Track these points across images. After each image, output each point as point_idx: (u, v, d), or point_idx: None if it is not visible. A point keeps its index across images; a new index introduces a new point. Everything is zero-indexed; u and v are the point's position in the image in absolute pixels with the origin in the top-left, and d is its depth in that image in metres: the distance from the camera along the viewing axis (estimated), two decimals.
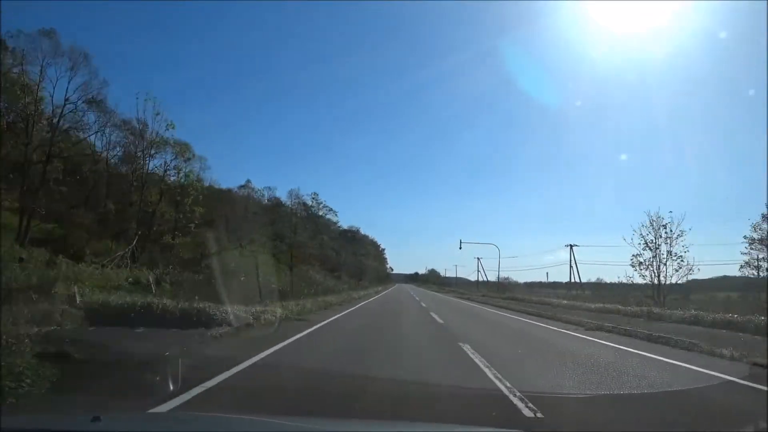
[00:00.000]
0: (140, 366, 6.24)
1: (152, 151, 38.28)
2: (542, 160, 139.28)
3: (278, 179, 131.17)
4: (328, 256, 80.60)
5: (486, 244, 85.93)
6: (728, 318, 15.11)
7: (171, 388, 5.10)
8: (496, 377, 6.71)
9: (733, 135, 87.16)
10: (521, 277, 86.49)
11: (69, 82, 29.14)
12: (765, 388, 6.55)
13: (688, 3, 55.43)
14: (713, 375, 7.47)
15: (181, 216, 37.33)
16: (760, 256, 30.07)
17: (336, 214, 63.25)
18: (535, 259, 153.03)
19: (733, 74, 71.13)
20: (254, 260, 29.76)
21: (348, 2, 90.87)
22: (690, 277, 29.18)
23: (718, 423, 5.17)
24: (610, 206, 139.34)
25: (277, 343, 9.31)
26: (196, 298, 12.49)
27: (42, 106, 28.62)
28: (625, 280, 31.74)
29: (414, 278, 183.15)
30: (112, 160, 39.66)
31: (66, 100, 29.28)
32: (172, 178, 40.00)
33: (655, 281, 29.48)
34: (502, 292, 49.03)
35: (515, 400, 5.40)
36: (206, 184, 47.66)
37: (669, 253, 28.73)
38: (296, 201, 55.63)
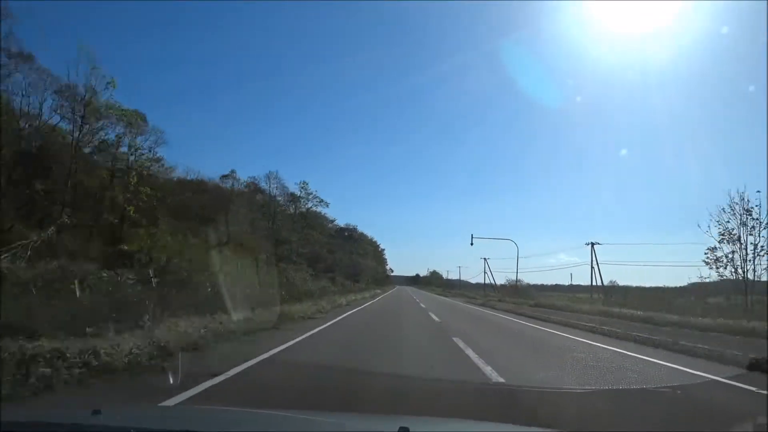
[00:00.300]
0: None
1: (100, 123, 31.08)
2: (545, 160, 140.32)
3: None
4: (320, 255, 73.45)
5: (501, 240, 77.99)
6: None
7: None
8: None
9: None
10: (528, 279, 79.78)
11: None
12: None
13: (689, 3, 55.07)
14: None
15: (128, 198, 29.95)
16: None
17: (327, 206, 55.26)
18: (539, 260, 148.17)
19: (733, 74, 70.53)
20: (220, 258, 23.47)
21: (349, 2, 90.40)
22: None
23: None
24: (615, 205, 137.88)
25: None
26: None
27: None
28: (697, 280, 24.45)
29: (415, 280, 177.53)
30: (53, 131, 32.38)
31: None
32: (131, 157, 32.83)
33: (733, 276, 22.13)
34: (525, 297, 41.48)
35: None
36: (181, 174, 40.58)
37: (756, 246, 21.49)
38: (276, 186, 47.32)
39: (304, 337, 11.21)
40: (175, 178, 46.01)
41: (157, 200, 32.76)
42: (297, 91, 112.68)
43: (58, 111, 30.51)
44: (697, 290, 26.56)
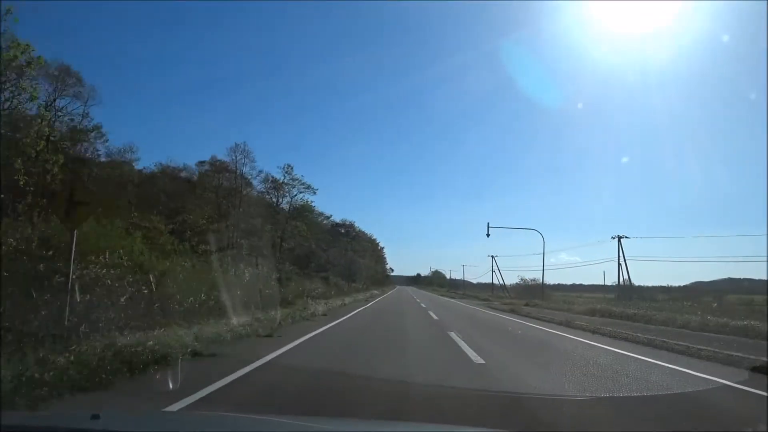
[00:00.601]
0: None
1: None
2: (545, 159, 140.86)
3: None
4: (313, 252, 65.30)
5: (524, 230, 68.95)
6: None
7: None
8: None
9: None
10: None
11: None
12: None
13: (689, 4, 54.98)
14: None
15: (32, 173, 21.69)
16: None
17: (315, 192, 46.74)
18: (538, 259, 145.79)
19: (733, 74, 69.07)
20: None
21: (349, 3, 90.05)
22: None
23: None
24: (615, 205, 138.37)
25: None
26: None
27: None
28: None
29: (415, 280, 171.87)
30: None
31: None
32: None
33: None
34: (546, 298, 33.14)
35: None
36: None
37: None
38: (243, 161, 38.54)
39: None
40: (154, 169, 38.06)
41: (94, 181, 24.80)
42: (297, 91, 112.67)
43: None
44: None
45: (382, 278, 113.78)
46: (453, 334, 12.67)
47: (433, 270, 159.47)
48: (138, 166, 38.41)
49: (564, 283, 75.12)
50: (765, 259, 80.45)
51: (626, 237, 49.79)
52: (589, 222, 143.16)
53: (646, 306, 25.39)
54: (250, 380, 6.15)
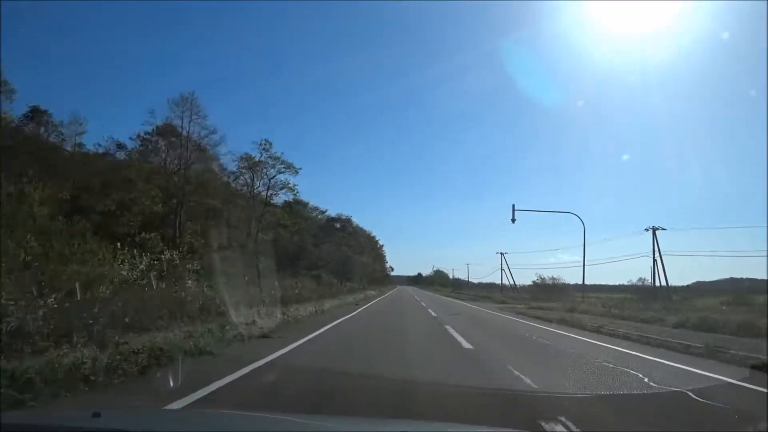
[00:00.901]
0: None
1: None
2: (546, 159, 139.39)
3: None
4: (303, 248, 57.53)
5: (562, 213, 59.14)
6: None
7: None
8: None
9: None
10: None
11: None
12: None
13: (689, 4, 55.89)
14: None
15: None
16: None
17: (296, 172, 38.55)
18: (537, 258, 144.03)
19: (734, 74, 68.63)
20: None
21: (349, 3, 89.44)
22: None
23: None
24: (615, 205, 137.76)
25: None
26: None
27: None
28: None
29: (416, 280, 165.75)
30: None
31: None
32: None
33: None
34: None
35: None
36: None
37: None
38: (191, 118, 29.57)
39: None
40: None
41: None
42: (297, 91, 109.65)
43: None
44: None
45: (382, 277, 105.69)
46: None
47: (435, 269, 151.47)
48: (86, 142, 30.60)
49: (571, 282, 68.36)
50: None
51: (662, 228, 42.02)
52: (589, 222, 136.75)
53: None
54: None
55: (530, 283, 72.26)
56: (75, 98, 61.14)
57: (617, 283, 67.84)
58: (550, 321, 18.52)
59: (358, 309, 23.24)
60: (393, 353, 9.27)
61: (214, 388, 5.45)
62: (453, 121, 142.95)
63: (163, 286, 15.47)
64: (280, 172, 38.39)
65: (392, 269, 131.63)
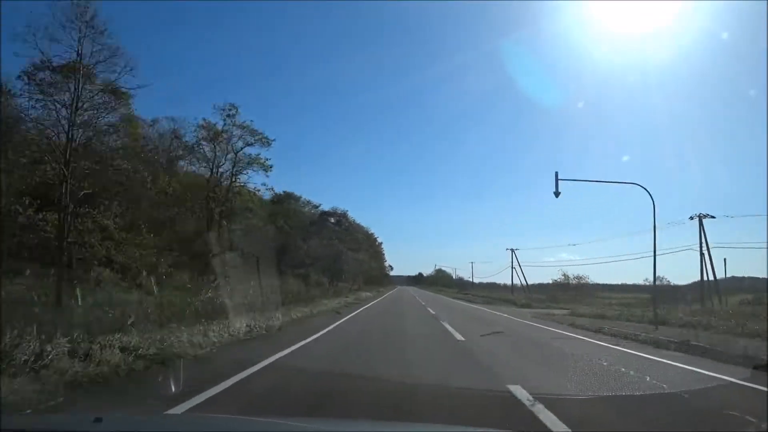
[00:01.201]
0: None
1: None
2: (546, 159, 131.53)
3: (277, 176, 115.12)
4: (287, 244, 49.86)
5: (627, 184, 49.11)
6: None
7: None
8: None
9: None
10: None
11: None
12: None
13: (689, 4, 56.80)
14: None
15: None
16: None
17: (269, 145, 30.80)
18: (537, 258, 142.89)
19: (734, 74, 69.30)
20: None
21: (349, 3, 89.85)
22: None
23: None
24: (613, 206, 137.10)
25: None
26: None
27: None
28: None
29: (417, 280, 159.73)
30: None
31: None
32: None
33: None
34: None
35: None
36: None
37: None
38: (86, 30, 19.62)
39: None
40: None
41: None
42: (297, 91, 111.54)
43: None
44: None
45: (380, 277, 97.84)
46: None
47: (437, 268, 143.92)
48: None
49: (595, 282, 62.12)
50: None
51: (711, 216, 34.23)
52: (589, 221, 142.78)
53: None
54: None
55: (549, 281, 65.09)
56: None
57: (631, 283, 66.63)
58: (658, 346, 10.76)
59: (337, 322, 15.52)
60: None
61: None
62: (453, 121, 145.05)
63: None
64: (248, 144, 30.71)
65: (392, 268, 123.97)
